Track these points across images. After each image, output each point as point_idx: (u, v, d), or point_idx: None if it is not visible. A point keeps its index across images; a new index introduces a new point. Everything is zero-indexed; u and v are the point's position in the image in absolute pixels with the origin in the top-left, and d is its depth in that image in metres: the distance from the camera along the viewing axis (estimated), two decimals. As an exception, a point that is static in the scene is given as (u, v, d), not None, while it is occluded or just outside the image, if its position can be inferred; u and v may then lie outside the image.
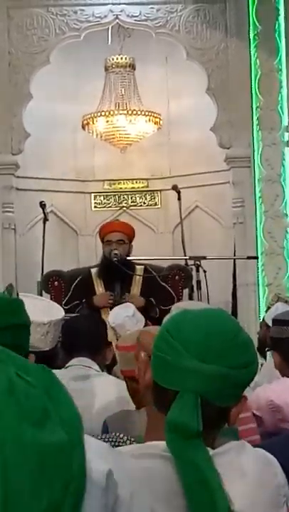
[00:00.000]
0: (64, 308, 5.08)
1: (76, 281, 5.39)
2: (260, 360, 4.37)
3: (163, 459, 1.25)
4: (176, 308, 2.41)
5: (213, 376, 1.23)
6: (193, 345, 1.24)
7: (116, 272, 5.19)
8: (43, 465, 0.69)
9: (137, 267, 5.38)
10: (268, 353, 3.78)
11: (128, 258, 5.29)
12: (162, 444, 1.27)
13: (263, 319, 4.22)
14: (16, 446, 0.68)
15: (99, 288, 5.30)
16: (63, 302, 5.33)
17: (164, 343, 1.26)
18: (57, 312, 2.28)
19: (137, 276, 5.34)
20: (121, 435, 1.94)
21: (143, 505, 1.20)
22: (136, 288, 5.31)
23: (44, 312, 2.21)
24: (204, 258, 5.18)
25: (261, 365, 4.17)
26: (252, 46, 6.37)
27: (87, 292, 5.28)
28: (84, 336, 2.83)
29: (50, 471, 0.69)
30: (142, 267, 5.40)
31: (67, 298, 5.37)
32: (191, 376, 1.23)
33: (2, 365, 0.72)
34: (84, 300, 5.18)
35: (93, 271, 5.41)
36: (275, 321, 2.83)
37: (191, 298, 5.43)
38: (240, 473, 1.27)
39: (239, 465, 1.28)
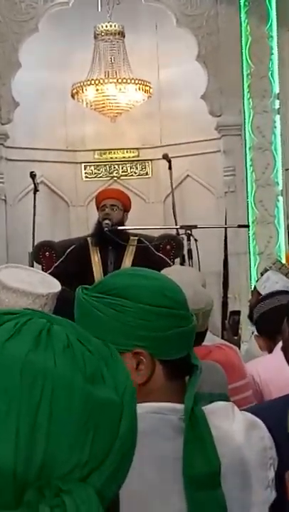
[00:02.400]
0: (52, 273, 5.10)
1: (71, 247, 5.36)
2: (252, 328, 4.38)
3: (162, 422, 1.26)
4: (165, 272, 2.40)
5: None
6: None
7: (110, 240, 5.17)
8: (89, 415, 0.69)
9: (131, 237, 5.36)
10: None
11: (119, 228, 5.26)
12: (152, 405, 1.28)
13: (255, 287, 4.22)
14: (64, 390, 0.68)
15: (94, 256, 5.28)
16: (54, 265, 5.29)
17: None
18: (55, 285, 2.27)
19: (130, 247, 5.32)
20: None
21: (133, 468, 1.20)
22: (128, 259, 5.29)
23: (43, 285, 2.19)
24: (195, 227, 5.18)
25: (252, 332, 4.19)
26: (242, 12, 6.30)
27: (81, 259, 5.26)
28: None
29: (96, 424, 0.69)
30: (136, 237, 5.38)
31: (59, 262, 5.32)
32: None
33: (64, 328, 0.73)
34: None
35: (89, 239, 5.39)
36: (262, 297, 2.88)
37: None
38: (227, 433, 1.28)
39: (226, 425, 1.30)
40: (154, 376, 1.29)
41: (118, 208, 5.23)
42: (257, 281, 4.47)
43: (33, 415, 0.68)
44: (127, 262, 5.27)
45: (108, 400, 0.70)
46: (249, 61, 6.29)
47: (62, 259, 5.30)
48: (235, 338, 4.00)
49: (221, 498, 1.23)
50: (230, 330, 4.05)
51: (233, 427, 1.30)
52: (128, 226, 5.38)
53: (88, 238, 5.36)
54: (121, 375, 0.73)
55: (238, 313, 4.18)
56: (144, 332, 1.27)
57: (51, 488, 0.67)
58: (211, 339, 2.41)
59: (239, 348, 3.62)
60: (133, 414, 0.73)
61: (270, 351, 2.75)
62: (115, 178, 7.02)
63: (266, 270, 4.25)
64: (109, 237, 5.12)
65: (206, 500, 1.23)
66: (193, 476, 1.22)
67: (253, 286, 5.12)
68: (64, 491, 0.66)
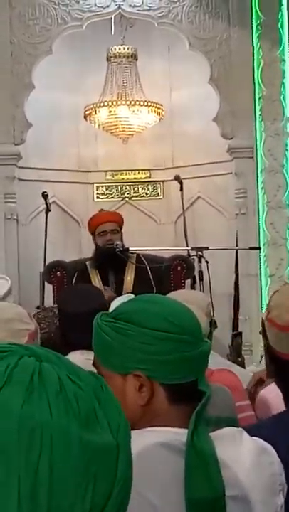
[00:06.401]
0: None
1: (75, 276, 5.42)
2: (261, 351, 4.36)
3: (164, 448, 1.26)
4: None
5: None
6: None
7: (109, 262, 5.23)
8: (88, 465, 0.68)
9: (130, 255, 5.41)
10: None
11: (131, 249, 5.30)
12: (156, 430, 1.28)
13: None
14: (62, 443, 0.67)
15: (95, 279, 5.32)
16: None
17: None
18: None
19: (131, 266, 5.37)
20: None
21: (137, 494, 1.21)
22: (129, 277, 5.34)
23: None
24: (206, 249, 5.18)
25: (261, 356, 4.17)
26: (255, 36, 6.35)
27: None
28: (86, 329, 2.81)
29: (95, 472, 0.68)
30: (134, 255, 5.43)
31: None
32: None
33: (53, 365, 0.72)
34: None
35: (88, 263, 5.45)
36: None
37: (193, 288, 5.42)
38: (235, 459, 1.28)
39: (235, 451, 1.29)
40: (156, 399, 1.29)
41: (118, 231, 5.30)
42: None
43: (34, 474, 0.66)
44: (129, 280, 5.31)
45: (104, 445, 0.69)
46: (261, 84, 6.32)
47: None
48: (239, 359, 3.99)
49: None
50: (234, 352, 4.03)
51: (241, 452, 1.29)
52: (139, 247, 5.40)
53: (86, 263, 5.42)
54: (114, 411, 0.72)
55: (239, 334, 4.17)
56: (143, 355, 1.29)
57: None
58: (223, 363, 2.42)
59: (244, 368, 3.61)
60: (128, 454, 0.72)
61: None
62: (127, 199, 7.05)
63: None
64: (113, 258, 5.18)
65: None
66: (196, 501, 1.22)
67: (264, 309, 5.10)
68: None
